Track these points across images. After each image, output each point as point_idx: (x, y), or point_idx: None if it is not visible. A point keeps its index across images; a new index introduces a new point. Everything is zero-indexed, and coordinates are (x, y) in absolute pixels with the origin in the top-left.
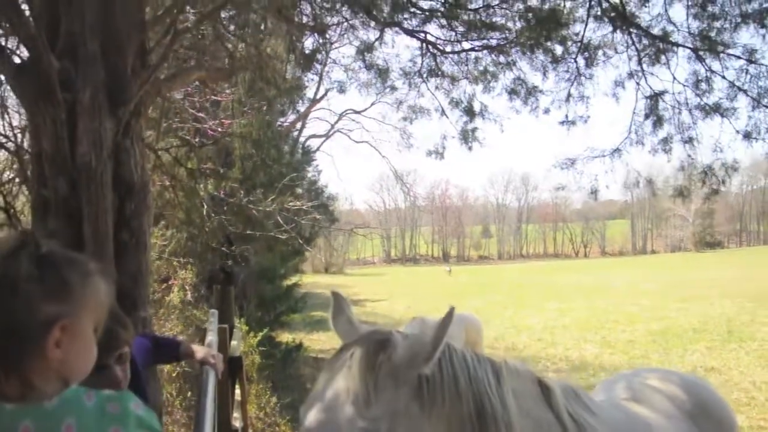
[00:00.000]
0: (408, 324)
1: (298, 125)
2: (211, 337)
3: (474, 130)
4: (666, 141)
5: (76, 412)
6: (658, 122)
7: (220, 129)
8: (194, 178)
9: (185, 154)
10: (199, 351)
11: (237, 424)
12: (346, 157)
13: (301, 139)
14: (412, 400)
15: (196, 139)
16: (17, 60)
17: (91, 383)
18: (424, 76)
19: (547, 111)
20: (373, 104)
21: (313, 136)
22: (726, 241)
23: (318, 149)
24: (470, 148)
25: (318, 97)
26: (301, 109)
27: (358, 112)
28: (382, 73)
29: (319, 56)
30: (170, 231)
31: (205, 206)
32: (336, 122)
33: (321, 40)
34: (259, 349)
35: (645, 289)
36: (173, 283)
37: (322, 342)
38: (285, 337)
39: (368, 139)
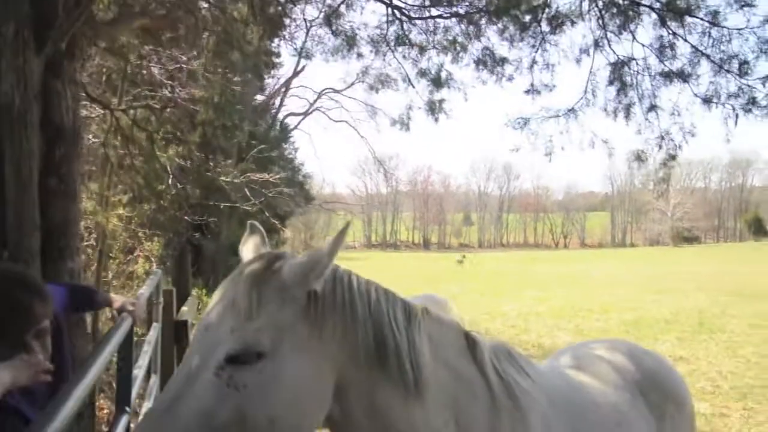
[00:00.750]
0: (418, 296)
1: (276, 103)
2: (143, 290)
3: (441, 101)
4: (628, 107)
5: None
6: (622, 88)
7: (186, 95)
8: (153, 141)
9: (146, 118)
10: (118, 299)
11: None
12: (327, 141)
13: (279, 117)
14: (300, 318)
15: (158, 105)
16: None
17: (6, 358)
18: (392, 44)
19: (510, 78)
20: (352, 84)
21: (291, 114)
22: (704, 236)
23: (296, 127)
24: (436, 120)
25: (297, 71)
26: (270, 79)
27: (338, 92)
28: (349, 40)
29: (285, 21)
30: (134, 202)
31: (169, 173)
32: (315, 101)
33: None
34: None
35: (622, 280)
36: (138, 255)
37: None
38: None
39: (347, 119)
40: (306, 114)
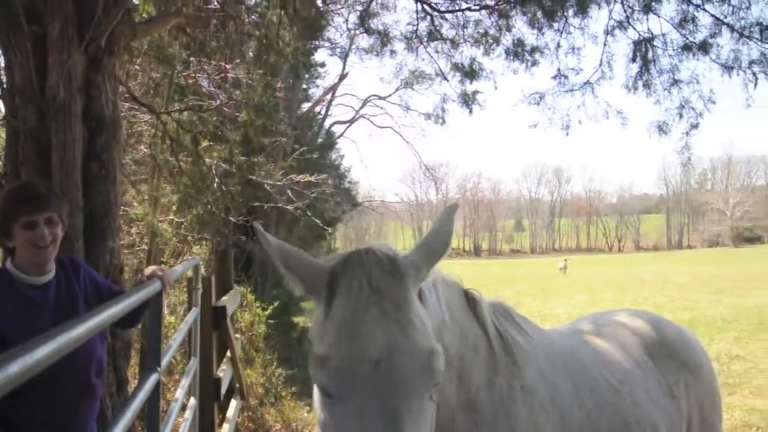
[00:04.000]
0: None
1: (323, 111)
2: (178, 267)
3: (475, 93)
4: (649, 83)
5: None
6: (645, 65)
7: (229, 101)
8: (197, 143)
9: (191, 121)
10: (149, 269)
11: (221, 374)
12: (375, 149)
13: (326, 126)
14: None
15: (203, 106)
16: None
17: None
18: (424, 40)
19: (536, 63)
20: (397, 90)
21: (337, 122)
22: (766, 236)
23: (342, 135)
24: (471, 111)
25: (340, 77)
26: (315, 89)
27: (383, 98)
28: (383, 38)
29: (323, 22)
30: (183, 207)
31: (214, 174)
32: (360, 108)
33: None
34: (268, 322)
35: (677, 281)
36: (187, 258)
37: None
38: (306, 320)
39: (392, 124)
40: (352, 121)
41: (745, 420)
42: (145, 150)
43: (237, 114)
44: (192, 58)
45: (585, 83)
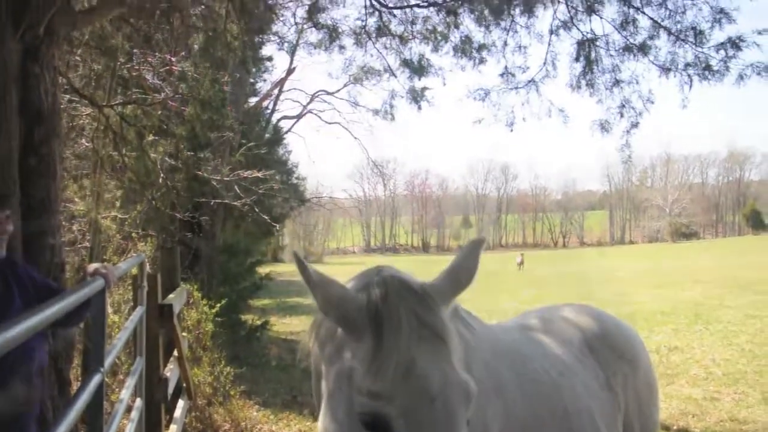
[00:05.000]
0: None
1: (270, 106)
2: (122, 264)
3: (423, 89)
4: (592, 82)
5: None
6: (588, 65)
7: (175, 95)
8: (142, 137)
9: (135, 115)
10: (92, 266)
11: (168, 374)
12: (323, 146)
13: (273, 121)
14: None
15: (147, 100)
16: None
17: None
18: (373, 36)
19: (483, 61)
20: (345, 86)
21: (285, 117)
22: (702, 231)
23: (289, 130)
24: (419, 108)
25: (288, 71)
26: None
27: (330, 93)
28: (332, 32)
29: (271, 16)
30: (127, 203)
31: (159, 169)
32: (308, 103)
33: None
34: (216, 320)
35: (619, 276)
36: (132, 256)
37: (294, 325)
38: (255, 318)
39: (340, 120)
40: (299, 117)
41: (682, 408)
42: (87, 144)
43: (183, 108)
44: (136, 50)
45: (530, 81)
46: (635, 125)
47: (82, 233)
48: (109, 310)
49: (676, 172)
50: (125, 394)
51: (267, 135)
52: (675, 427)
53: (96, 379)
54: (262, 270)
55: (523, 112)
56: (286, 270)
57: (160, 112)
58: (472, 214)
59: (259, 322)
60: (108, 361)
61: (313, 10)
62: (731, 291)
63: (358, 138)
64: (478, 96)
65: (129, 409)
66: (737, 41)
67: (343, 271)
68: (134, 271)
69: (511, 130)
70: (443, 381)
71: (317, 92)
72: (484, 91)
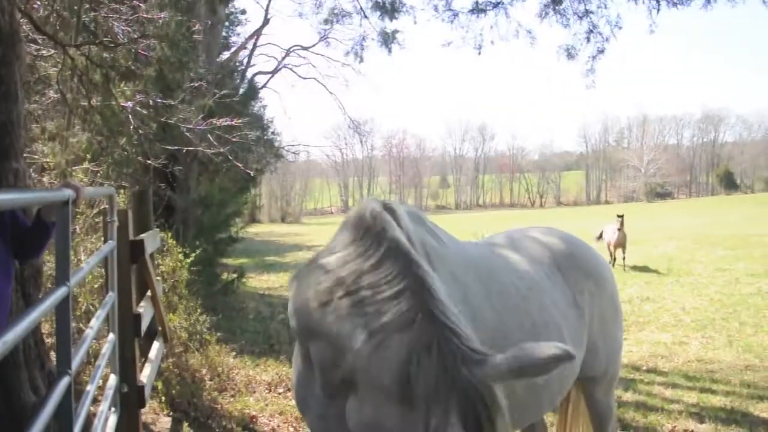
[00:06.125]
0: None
1: (244, 61)
2: (89, 189)
3: (394, 32)
4: (562, 12)
5: None
6: None
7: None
8: (109, 79)
9: (101, 57)
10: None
11: (141, 310)
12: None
13: (248, 76)
14: None
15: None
16: None
17: None
18: None
19: None
20: (321, 39)
21: (260, 72)
22: (677, 192)
23: (265, 85)
24: (390, 50)
25: (263, 22)
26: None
27: (306, 48)
28: None
29: None
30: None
31: (127, 112)
32: (283, 58)
33: None
34: (192, 269)
35: (594, 235)
36: (105, 207)
37: (272, 281)
38: (231, 272)
39: (316, 75)
40: (275, 72)
41: (652, 351)
42: (54, 96)
43: (150, 53)
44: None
45: (498, 2)
46: (601, 51)
47: (52, 185)
48: (81, 257)
49: (651, 133)
50: (95, 322)
51: (241, 90)
52: (644, 368)
53: (61, 292)
54: (240, 226)
55: (491, 35)
56: (263, 230)
57: (126, 52)
58: (450, 174)
59: (235, 275)
60: (75, 279)
61: None
62: (702, 247)
63: (334, 93)
64: (446, 18)
65: (98, 339)
66: None
67: (320, 230)
68: (104, 206)
69: (479, 53)
70: None
71: (292, 47)
72: (453, 12)
